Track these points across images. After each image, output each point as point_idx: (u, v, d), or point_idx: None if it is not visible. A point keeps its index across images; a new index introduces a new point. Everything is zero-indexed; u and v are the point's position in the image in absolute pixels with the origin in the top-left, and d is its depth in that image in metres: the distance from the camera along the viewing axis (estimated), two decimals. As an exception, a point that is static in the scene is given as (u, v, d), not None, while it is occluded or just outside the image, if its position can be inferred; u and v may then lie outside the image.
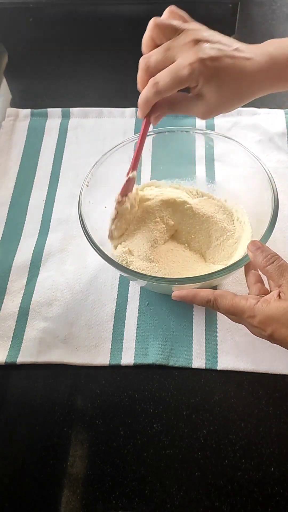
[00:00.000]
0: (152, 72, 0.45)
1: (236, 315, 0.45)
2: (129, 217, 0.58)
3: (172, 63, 0.44)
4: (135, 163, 0.54)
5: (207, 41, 0.44)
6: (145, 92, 0.46)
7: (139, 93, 0.47)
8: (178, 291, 0.49)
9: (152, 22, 0.45)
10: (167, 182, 0.66)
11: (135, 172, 0.55)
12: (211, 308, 0.47)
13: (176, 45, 0.44)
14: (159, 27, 0.45)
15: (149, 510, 0.47)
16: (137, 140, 0.53)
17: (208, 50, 0.43)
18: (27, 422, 0.53)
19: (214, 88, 0.44)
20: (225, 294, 0.46)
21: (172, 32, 0.45)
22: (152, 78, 0.45)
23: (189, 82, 0.44)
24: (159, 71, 0.45)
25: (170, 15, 0.46)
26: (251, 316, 0.43)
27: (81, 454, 0.50)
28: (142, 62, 0.46)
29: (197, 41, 0.43)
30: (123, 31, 0.91)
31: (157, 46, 0.46)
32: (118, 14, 0.93)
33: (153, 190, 0.63)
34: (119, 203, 0.55)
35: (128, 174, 0.55)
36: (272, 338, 0.43)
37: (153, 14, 0.46)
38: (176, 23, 0.45)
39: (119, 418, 0.52)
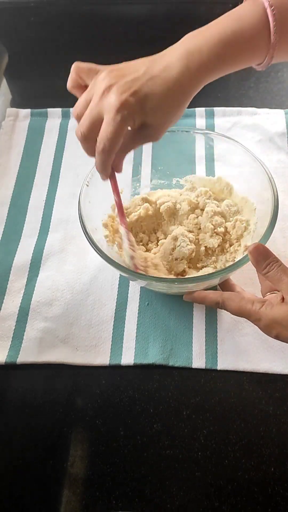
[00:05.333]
0: (87, 138, 0.45)
1: (243, 317, 0.47)
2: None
3: (101, 119, 0.43)
4: (122, 218, 0.53)
5: (116, 81, 0.43)
6: (99, 159, 0.45)
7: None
8: (188, 294, 0.51)
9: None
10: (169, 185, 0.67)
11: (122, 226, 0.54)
12: (221, 309, 0.49)
13: (95, 100, 0.43)
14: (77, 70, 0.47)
15: (149, 510, 0.47)
16: (115, 198, 0.52)
17: (121, 88, 0.42)
18: (27, 422, 0.53)
19: (152, 114, 0.43)
20: (233, 297, 0.47)
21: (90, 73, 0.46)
22: (97, 145, 0.44)
23: (127, 124, 0.43)
24: (95, 138, 0.44)
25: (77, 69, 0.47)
26: (257, 320, 0.45)
27: (81, 454, 0.50)
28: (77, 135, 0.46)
29: (109, 87, 0.43)
30: (123, 31, 0.91)
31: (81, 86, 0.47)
32: (118, 14, 0.93)
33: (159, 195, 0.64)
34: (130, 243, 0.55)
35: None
36: (278, 339, 0.45)
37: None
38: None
39: (119, 418, 0.52)
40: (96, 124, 0.43)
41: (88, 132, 0.44)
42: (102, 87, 0.43)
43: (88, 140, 0.45)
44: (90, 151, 0.46)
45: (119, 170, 0.48)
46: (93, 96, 0.44)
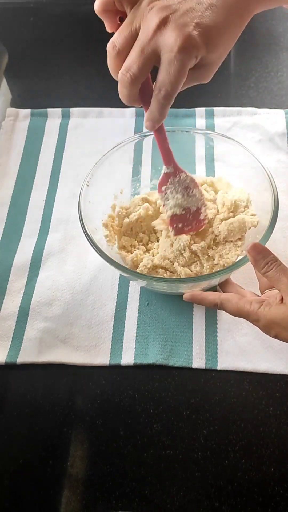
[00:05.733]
0: (138, 80, 0.39)
1: (241, 317, 0.47)
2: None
3: (155, 58, 0.38)
4: (166, 158, 0.51)
5: (169, 13, 0.37)
6: (159, 106, 0.40)
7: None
8: (188, 294, 0.51)
9: None
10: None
11: (168, 167, 0.52)
12: (219, 309, 0.49)
13: (147, 36, 0.37)
14: None
15: (149, 511, 0.47)
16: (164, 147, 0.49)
17: (180, 21, 0.36)
18: (27, 422, 0.53)
19: (214, 48, 0.39)
20: (230, 298, 0.47)
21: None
22: (156, 92, 0.39)
23: (191, 63, 0.38)
24: (143, 79, 0.40)
25: None
26: (255, 320, 0.45)
27: (81, 454, 0.50)
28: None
29: (164, 21, 0.37)
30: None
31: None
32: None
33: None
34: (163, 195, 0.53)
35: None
36: (277, 339, 0.45)
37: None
38: None
39: (119, 418, 0.52)
40: (149, 64, 0.38)
41: (140, 73, 0.38)
42: (155, 20, 0.37)
43: (138, 83, 0.39)
44: (135, 97, 0.41)
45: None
46: (142, 30, 0.38)
